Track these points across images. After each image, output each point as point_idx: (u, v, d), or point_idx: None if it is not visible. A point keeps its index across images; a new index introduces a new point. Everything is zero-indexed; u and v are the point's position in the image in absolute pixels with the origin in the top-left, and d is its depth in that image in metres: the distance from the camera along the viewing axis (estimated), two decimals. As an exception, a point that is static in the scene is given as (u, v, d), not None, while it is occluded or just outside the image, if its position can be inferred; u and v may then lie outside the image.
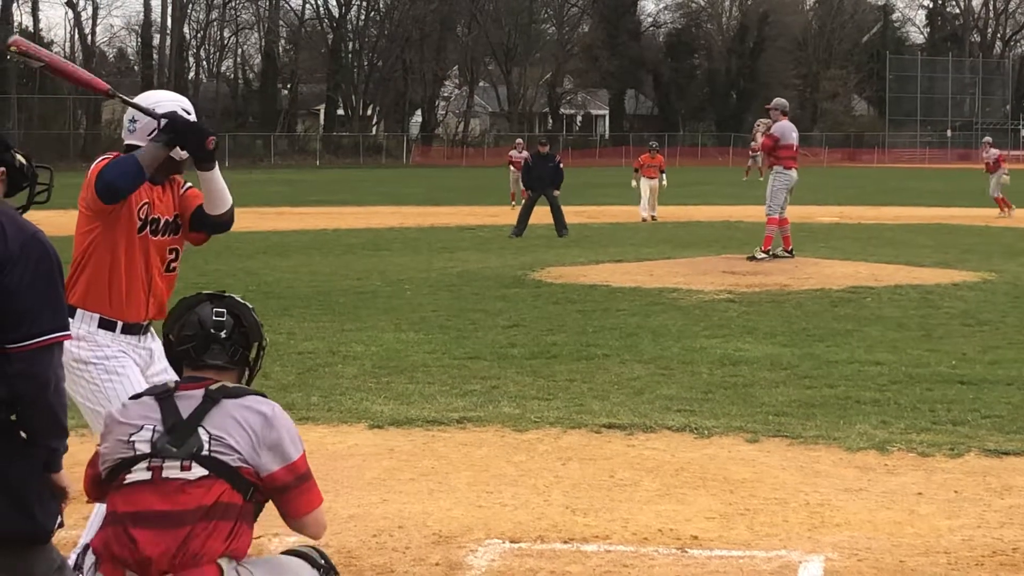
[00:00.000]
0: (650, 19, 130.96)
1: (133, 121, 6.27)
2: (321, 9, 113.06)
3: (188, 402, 4.74)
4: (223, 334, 4.92)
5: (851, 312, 15.97)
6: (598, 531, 7.18)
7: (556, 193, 30.21)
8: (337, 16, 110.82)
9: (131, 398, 4.99)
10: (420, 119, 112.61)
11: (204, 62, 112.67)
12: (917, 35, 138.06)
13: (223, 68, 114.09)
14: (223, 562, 4.56)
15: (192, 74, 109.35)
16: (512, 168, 40.84)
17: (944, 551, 6.89)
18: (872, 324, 14.93)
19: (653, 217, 35.54)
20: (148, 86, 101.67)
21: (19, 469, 4.25)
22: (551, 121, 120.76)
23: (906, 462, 8.78)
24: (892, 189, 55.66)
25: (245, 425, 4.67)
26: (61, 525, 4.50)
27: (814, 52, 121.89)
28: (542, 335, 14.20)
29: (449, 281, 19.60)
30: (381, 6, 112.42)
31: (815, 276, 19.59)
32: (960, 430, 9.59)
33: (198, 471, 4.59)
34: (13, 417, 4.27)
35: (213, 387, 4.78)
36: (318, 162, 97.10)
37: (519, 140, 45.99)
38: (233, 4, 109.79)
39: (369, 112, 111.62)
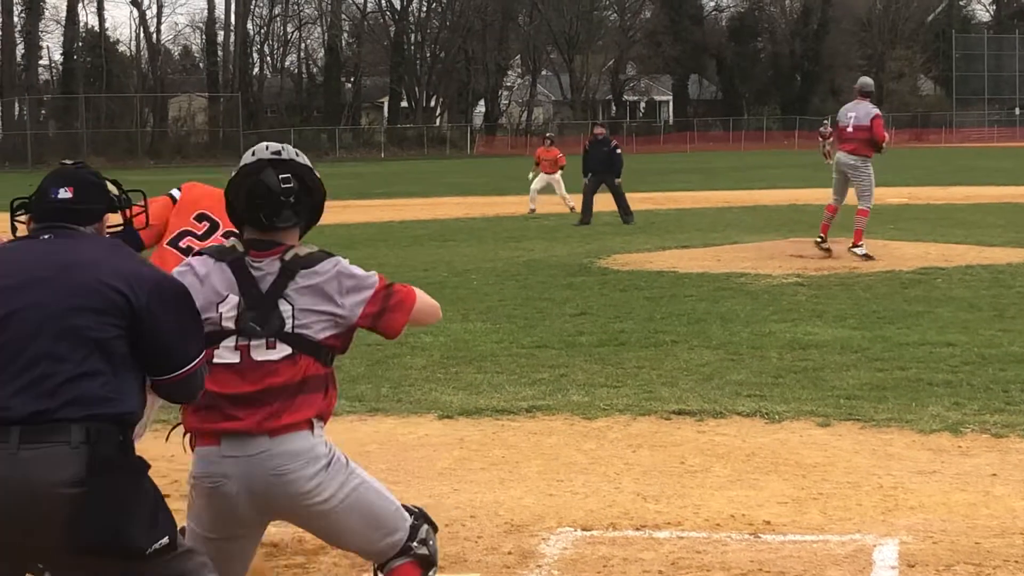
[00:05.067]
0: (712, 3, 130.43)
1: None
2: (383, 2, 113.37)
3: (263, 274, 4.82)
4: (292, 199, 4.88)
5: (922, 293, 15.85)
6: (670, 518, 7.16)
7: (618, 181, 29.78)
8: (399, 8, 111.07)
9: (195, 255, 5.03)
10: (483, 109, 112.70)
11: (268, 57, 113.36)
12: (983, 13, 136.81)
13: (287, 63, 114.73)
14: (315, 422, 4.79)
15: (256, 70, 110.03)
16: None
17: (1020, 532, 6.83)
18: (943, 305, 14.80)
19: (572, 208, 32.45)
20: (213, 83, 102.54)
21: (121, 486, 4.34)
22: (614, 108, 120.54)
23: (980, 443, 8.70)
24: (961, 169, 55.21)
25: (321, 289, 4.81)
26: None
27: (879, 32, 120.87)
28: (610, 322, 14.18)
29: (515, 270, 19.61)
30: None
31: (884, 258, 19.44)
32: (1034, 410, 9.50)
33: (283, 349, 4.75)
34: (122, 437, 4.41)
35: (287, 257, 4.85)
36: (383, 154, 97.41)
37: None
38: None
39: (432, 103, 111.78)
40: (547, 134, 37.92)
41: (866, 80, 20.89)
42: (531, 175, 34.66)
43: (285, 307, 4.77)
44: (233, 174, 4.93)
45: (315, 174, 5.03)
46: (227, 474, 4.72)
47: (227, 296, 4.79)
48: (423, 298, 5.09)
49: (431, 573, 5.03)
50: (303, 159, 5.01)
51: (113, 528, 4.28)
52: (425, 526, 5.08)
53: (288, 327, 4.76)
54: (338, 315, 4.82)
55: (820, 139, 72.01)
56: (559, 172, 33.79)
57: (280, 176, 4.85)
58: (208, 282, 4.81)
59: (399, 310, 4.95)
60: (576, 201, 31.03)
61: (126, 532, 4.31)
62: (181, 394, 4.59)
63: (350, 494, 4.82)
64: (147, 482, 4.47)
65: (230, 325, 4.78)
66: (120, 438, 4.35)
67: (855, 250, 19.43)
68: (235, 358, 4.76)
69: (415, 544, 4.99)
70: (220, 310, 4.78)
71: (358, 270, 4.91)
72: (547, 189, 33.85)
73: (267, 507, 4.79)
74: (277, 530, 7.02)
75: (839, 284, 16.86)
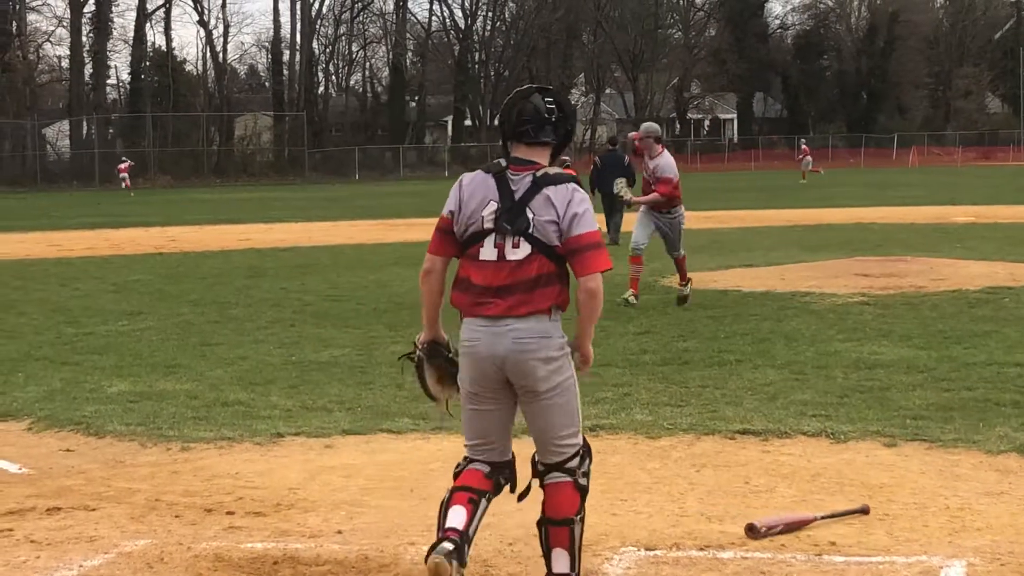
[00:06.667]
0: (777, 21, 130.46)
1: None
2: (447, 21, 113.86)
3: (518, 184, 6.11)
4: (553, 118, 6.21)
5: (989, 313, 15.71)
6: (734, 538, 7.12)
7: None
8: (463, 27, 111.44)
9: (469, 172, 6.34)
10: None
11: (333, 76, 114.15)
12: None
13: (352, 82, 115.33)
14: (553, 310, 6.07)
15: (321, 89, 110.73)
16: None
17: (1090, 555, 6.74)
18: (1011, 325, 14.67)
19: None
20: (279, 101, 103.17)
21: None
22: (679, 126, 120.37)
23: (1049, 465, 8.61)
24: (1029, 187, 54.67)
25: (557, 204, 6.03)
26: None
27: (946, 50, 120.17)
28: (673, 341, 14.14)
29: (579, 289, 19.54)
30: (507, 16, 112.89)
31: (951, 277, 19.31)
32: (1104, 431, 9.38)
33: (525, 249, 6.03)
34: None
35: (539, 173, 6.11)
36: (447, 173, 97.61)
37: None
38: (361, 19, 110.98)
39: (496, 122, 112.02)
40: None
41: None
42: None
43: (530, 214, 6.04)
44: (508, 97, 6.32)
45: (572, 104, 6.42)
46: (479, 339, 6.07)
47: (490, 202, 6.09)
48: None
49: (584, 506, 6.28)
50: (559, 91, 6.40)
51: None
52: (590, 458, 6.35)
53: (530, 229, 6.02)
54: (560, 225, 6.02)
55: (802, 156, 73.88)
56: None
57: (545, 99, 6.23)
58: (476, 192, 6.14)
59: (595, 261, 6.05)
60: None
61: None
62: None
63: (565, 390, 6.14)
64: None
65: (490, 225, 6.07)
66: None
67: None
68: (493, 256, 6.05)
69: (582, 472, 6.28)
70: (483, 214, 6.09)
71: (585, 213, 6.06)
72: None
73: (505, 369, 6.06)
74: (340, 548, 7.04)
75: (905, 303, 16.74)
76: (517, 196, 6.08)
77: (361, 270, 23.66)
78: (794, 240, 28.92)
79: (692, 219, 29.23)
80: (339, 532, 7.37)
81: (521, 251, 6.03)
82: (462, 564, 5.95)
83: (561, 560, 6.20)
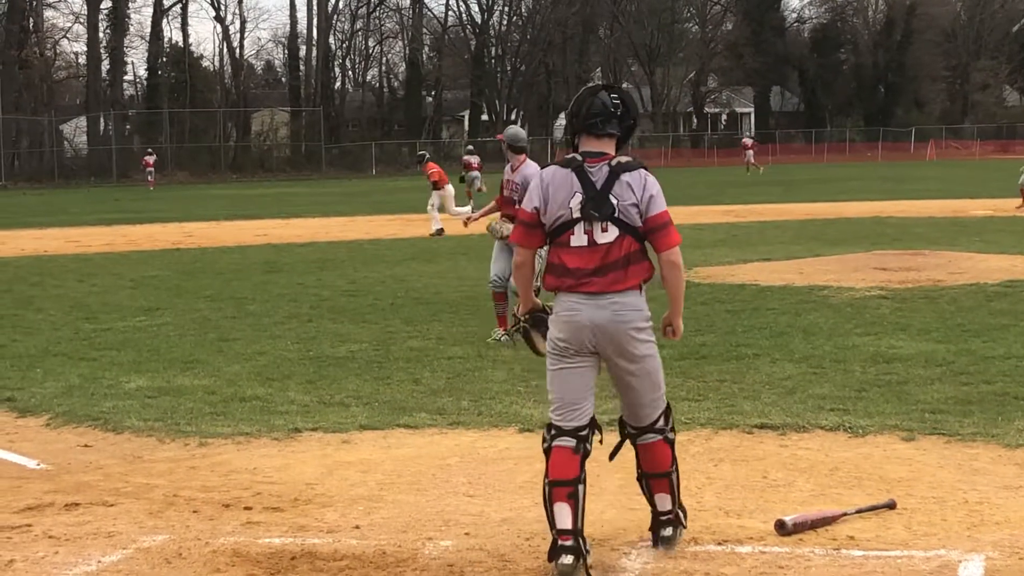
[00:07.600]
0: (794, 15, 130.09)
1: None
2: (464, 16, 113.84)
3: (597, 175, 6.67)
4: (618, 112, 6.82)
5: (1008, 307, 15.66)
6: (752, 532, 7.11)
7: None
8: (480, 22, 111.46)
9: (544, 168, 7.00)
10: (564, 122, 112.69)
11: (350, 72, 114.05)
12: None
13: (368, 77, 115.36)
14: (642, 285, 6.69)
15: (338, 84, 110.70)
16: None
17: (1110, 550, 6.71)
18: (1029, 318, 14.62)
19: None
20: (295, 97, 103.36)
21: None
22: (695, 120, 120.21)
23: (1068, 459, 8.58)
24: (1047, 180, 54.44)
25: (635, 188, 6.63)
26: None
27: (963, 43, 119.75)
28: (691, 336, 14.09)
29: (596, 283, 19.50)
30: (523, 11, 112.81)
31: (969, 271, 19.25)
32: (1124, 425, 9.35)
33: (613, 231, 6.62)
34: None
35: (613, 163, 6.69)
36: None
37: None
38: (377, 14, 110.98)
39: (513, 116, 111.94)
40: (419, 152, 36.56)
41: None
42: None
43: (613, 200, 6.61)
44: (578, 94, 6.94)
45: (633, 99, 7.04)
46: (580, 310, 6.62)
47: (575, 194, 6.65)
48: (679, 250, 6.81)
49: (676, 456, 6.96)
50: (624, 88, 6.84)
51: None
52: (672, 414, 7.01)
53: (616, 213, 6.60)
54: (641, 211, 6.62)
55: (746, 150, 74.27)
56: (447, 187, 33.24)
57: (611, 96, 6.84)
58: (561, 187, 6.69)
59: (670, 238, 6.70)
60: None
61: None
62: None
63: (652, 358, 6.77)
64: None
65: (578, 214, 6.62)
66: None
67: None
68: (584, 241, 6.63)
69: (669, 428, 6.94)
70: (570, 204, 6.64)
71: (657, 195, 6.69)
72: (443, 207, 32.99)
73: (601, 337, 6.61)
74: (357, 543, 7.05)
75: (923, 297, 16.69)
76: (598, 186, 6.64)
77: (378, 265, 23.66)
78: (812, 234, 28.86)
79: (711, 213, 29.24)
80: (357, 527, 7.37)
81: (610, 234, 6.61)
82: (582, 559, 6.46)
83: (664, 501, 6.94)
